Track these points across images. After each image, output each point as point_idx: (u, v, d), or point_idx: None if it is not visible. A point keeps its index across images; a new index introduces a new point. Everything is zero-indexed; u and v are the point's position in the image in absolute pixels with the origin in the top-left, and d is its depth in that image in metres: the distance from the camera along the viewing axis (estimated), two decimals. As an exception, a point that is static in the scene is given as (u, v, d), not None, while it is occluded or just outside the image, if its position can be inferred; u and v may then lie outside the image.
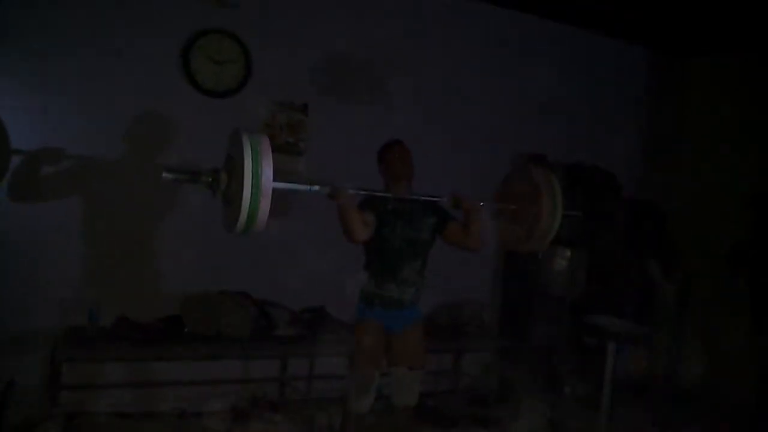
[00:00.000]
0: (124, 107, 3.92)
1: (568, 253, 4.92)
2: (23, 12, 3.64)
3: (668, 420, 4.49)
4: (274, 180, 2.22)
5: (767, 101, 5.03)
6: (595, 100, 5.44)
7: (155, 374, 4.05)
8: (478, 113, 4.97)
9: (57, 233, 3.80)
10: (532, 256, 4.83)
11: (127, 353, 3.81)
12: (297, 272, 4.33)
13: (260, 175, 2.15)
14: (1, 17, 3.60)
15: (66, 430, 3.60)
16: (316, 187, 2.67)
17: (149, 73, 3.97)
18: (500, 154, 4.93)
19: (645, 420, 4.50)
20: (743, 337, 4.80)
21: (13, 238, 3.69)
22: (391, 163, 3.15)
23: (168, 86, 4.02)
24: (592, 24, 5.24)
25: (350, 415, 3.12)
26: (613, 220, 5.11)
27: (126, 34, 3.89)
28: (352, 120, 4.51)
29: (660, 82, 5.78)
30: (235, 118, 4.06)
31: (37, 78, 3.72)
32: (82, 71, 3.81)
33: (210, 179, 2.32)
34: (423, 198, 3.08)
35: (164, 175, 2.28)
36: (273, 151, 2.27)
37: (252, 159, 2.16)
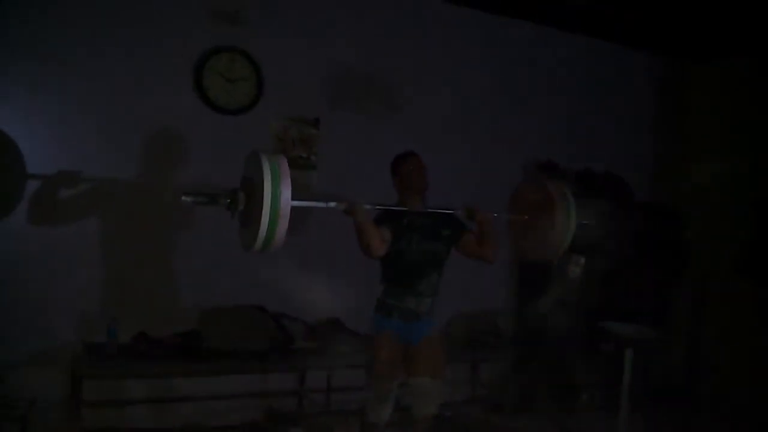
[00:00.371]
0: (138, 126, 3.97)
1: (582, 260, 4.91)
2: (37, 37, 3.69)
3: (686, 425, 4.47)
4: (292, 199, 2.25)
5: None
6: (605, 106, 5.44)
7: (174, 389, 4.08)
8: (488, 122, 4.99)
9: (75, 252, 3.84)
10: (547, 264, 4.83)
11: (147, 369, 3.85)
12: (312, 285, 4.37)
13: (279, 198, 2.19)
14: (16, 43, 3.66)
15: (87, 448, 3.66)
16: (333, 204, 2.71)
17: (162, 92, 4.01)
18: (512, 163, 4.96)
19: (663, 426, 4.48)
20: (759, 339, 4.78)
21: (32, 258, 3.74)
22: (406, 176, 3.17)
23: (181, 104, 4.07)
24: (601, 32, 5.25)
25: (370, 425, 3.13)
26: (625, 225, 5.10)
27: (139, 54, 3.94)
28: (363, 133, 4.54)
29: (669, 88, 5.78)
30: (247, 134, 4.13)
31: (51, 101, 3.77)
32: (95, 92, 3.86)
33: (228, 201, 2.35)
34: (438, 211, 3.10)
35: (183, 198, 2.32)
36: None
37: (272, 182, 2.19)
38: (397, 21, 4.69)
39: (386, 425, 3.16)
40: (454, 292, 3.97)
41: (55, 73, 3.76)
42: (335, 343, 4.26)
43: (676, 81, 5.76)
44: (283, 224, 2.25)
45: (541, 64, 5.18)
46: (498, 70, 5.05)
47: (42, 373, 3.78)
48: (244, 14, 4.13)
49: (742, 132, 5.20)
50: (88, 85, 3.85)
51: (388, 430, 3.23)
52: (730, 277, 5.06)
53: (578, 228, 3.21)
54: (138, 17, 3.93)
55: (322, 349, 4.24)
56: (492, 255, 3.11)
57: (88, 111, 3.85)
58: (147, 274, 4.07)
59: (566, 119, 5.24)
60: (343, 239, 3.03)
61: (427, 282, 3.12)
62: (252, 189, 2.31)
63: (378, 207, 2.99)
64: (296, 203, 2.34)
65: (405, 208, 3.09)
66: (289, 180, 2.23)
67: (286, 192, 2.22)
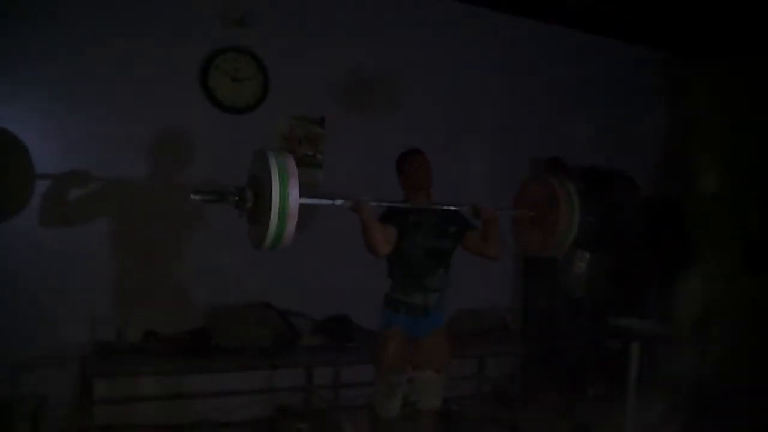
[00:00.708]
0: (146, 127, 4.00)
1: (588, 256, 4.94)
2: (44, 37, 3.72)
3: (693, 419, 4.47)
4: (299, 196, 2.28)
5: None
6: (611, 102, 5.45)
7: (184, 387, 4.13)
8: (493, 119, 5.00)
9: (84, 252, 3.88)
10: (552, 260, 4.85)
11: (156, 367, 3.89)
12: (319, 282, 4.40)
13: (287, 197, 2.21)
14: (21, 42, 3.69)
15: (98, 444, 3.69)
16: (339, 201, 2.74)
17: (169, 92, 4.04)
18: (517, 159, 4.98)
19: (670, 420, 4.48)
20: (765, 334, 4.78)
21: (43, 257, 3.78)
22: (411, 173, 3.18)
23: (188, 104, 4.10)
24: (606, 29, 5.26)
25: (379, 420, 3.16)
26: (631, 221, 5.12)
27: (145, 55, 3.97)
28: (368, 131, 4.56)
29: (675, 83, 5.77)
30: (254, 133, 4.15)
31: (59, 101, 3.80)
32: (102, 92, 3.89)
33: (236, 199, 2.38)
34: (443, 208, 3.12)
35: (192, 197, 2.35)
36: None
37: (279, 181, 2.22)
38: (401, 19, 4.71)
39: (396, 421, 3.18)
40: (461, 288, 3.99)
41: (63, 73, 3.80)
42: (342, 339, 4.30)
43: (683, 77, 5.75)
44: (291, 223, 2.28)
45: (546, 61, 5.19)
46: (502, 68, 5.07)
47: (53, 372, 3.83)
48: (250, 14, 4.15)
49: (748, 127, 5.19)
50: (96, 86, 3.88)
51: (398, 424, 3.26)
52: (736, 271, 5.06)
53: (583, 224, 3.23)
54: (144, 17, 3.96)
55: (330, 345, 4.28)
56: (496, 252, 3.13)
57: (95, 111, 3.88)
58: (155, 273, 4.11)
59: (571, 116, 5.25)
60: (350, 236, 3.05)
61: (434, 277, 3.14)
62: (260, 187, 2.34)
63: (384, 204, 3.01)
64: (304, 201, 2.36)
65: (410, 206, 3.10)
66: (297, 179, 2.25)
67: (294, 191, 2.24)
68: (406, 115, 4.66)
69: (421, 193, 3.16)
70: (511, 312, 5.15)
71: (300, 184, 2.37)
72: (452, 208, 3.12)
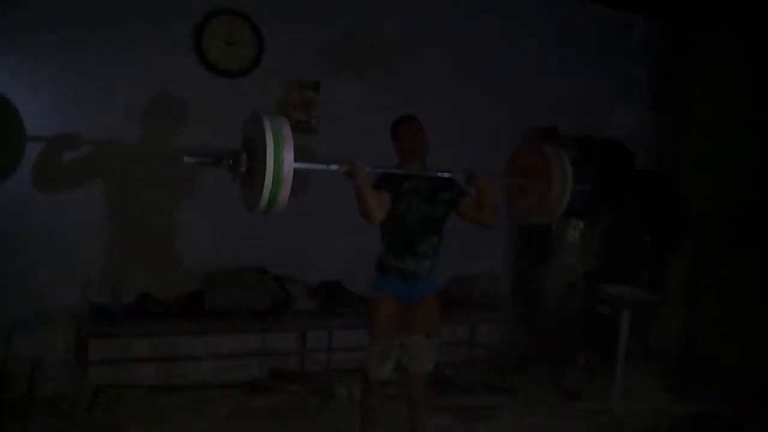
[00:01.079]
0: (138, 90, 3.97)
1: (581, 225, 4.96)
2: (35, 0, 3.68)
3: (681, 387, 4.56)
4: (293, 161, 2.28)
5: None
6: (606, 72, 5.43)
7: (178, 349, 4.17)
8: (489, 87, 4.98)
9: (78, 215, 3.88)
10: (545, 228, 4.88)
11: (151, 329, 3.92)
12: (313, 247, 4.43)
13: (282, 162, 2.21)
14: (13, 5, 3.63)
15: (93, 404, 3.72)
16: (334, 167, 2.73)
17: (162, 55, 4.00)
18: (512, 128, 4.96)
19: (658, 387, 4.57)
20: (755, 304, 4.85)
21: (37, 221, 3.78)
22: (406, 139, 3.16)
23: (181, 68, 4.06)
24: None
25: (372, 382, 3.21)
26: (624, 190, 5.13)
27: (138, 17, 3.92)
28: (363, 97, 4.54)
29: (670, 54, 5.75)
30: (248, 97, 4.12)
31: (49, 63, 3.76)
32: (95, 55, 3.85)
33: (231, 162, 2.38)
34: (437, 174, 3.12)
35: (186, 159, 2.34)
36: (288, 131, 2.34)
37: (274, 145, 2.21)
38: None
39: (387, 383, 3.23)
40: (454, 255, 4.00)
41: (54, 35, 3.75)
42: (336, 304, 4.33)
43: (679, 47, 5.73)
44: (286, 187, 2.28)
45: (542, 29, 5.14)
46: (499, 35, 5.02)
47: (48, 334, 3.86)
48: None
49: (744, 99, 5.18)
50: (88, 48, 3.83)
51: (389, 387, 3.32)
52: (728, 242, 5.11)
53: (576, 193, 3.25)
54: (137, -21, 3.91)
55: (323, 309, 4.32)
56: (490, 220, 3.14)
57: (87, 74, 3.84)
58: (150, 237, 4.12)
59: (567, 85, 5.23)
60: (344, 202, 3.06)
61: (427, 244, 3.15)
62: (254, 151, 2.33)
63: (378, 169, 3.01)
64: (298, 166, 2.36)
65: (405, 172, 3.10)
66: (292, 143, 2.25)
67: (289, 156, 2.24)
68: (401, 81, 4.63)
69: (416, 160, 3.15)
70: (503, 279, 5.19)
71: (295, 149, 2.36)
72: (446, 174, 3.12)
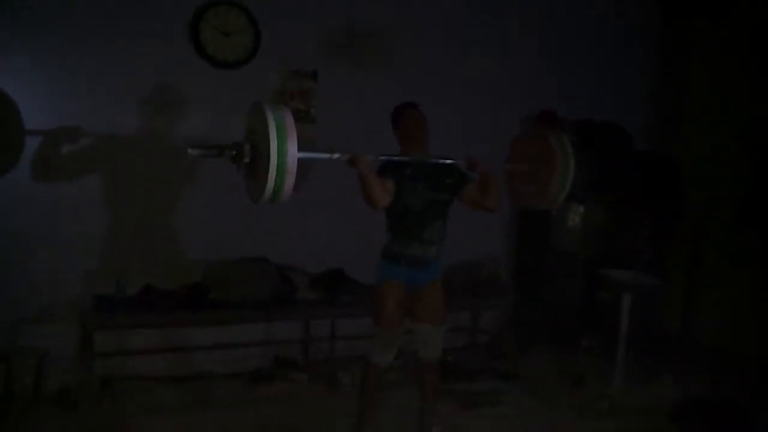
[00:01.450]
0: (136, 82, 3.97)
1: (582, 209, 4.97)
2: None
3: (682, 372, 4.58)
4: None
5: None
6: (606, 55, 5.42)
7: (183, 340, 4.20)
8: (488, 72, 4.97)
9: (81, 208, 3.90)
10: (546, 213, 4.89)
11: (154, 320, 3.95)
12: (315, 236, 4.44)
13: (286, 153, 2.22)
14: (15, 2, 3.63)
15: (100, 395, 3.77)
16: (337, 155, 2.74)
17: (159, 47, 4.00)
18: (512, 112, 4.96)
19: (659, 372, 4.60)
20: (756, 289, 4.86)
21: (40, 214, 3.80)
22: (407, 127, 3.18)
23: (178, 59, 4.06)
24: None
25: (371, 368, 3.23)
26: (625, 174, 5.14)
27: (135, 10, 3.91)
28: (362, 85, 4.53)
29: (670, 36, 5.73)
30: (245, 87, 4.13)
31: (47, 57, 3.76)
32: (92, 47, 3.85)
33: (234, 153, 2.38)
34: (439, 160, 3.13)
35: (190, 151, 2.35)
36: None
37: (277, 137, 2.22)
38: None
39: (387, 370, 3.25)
40: (456, 241, 4.01)
41: (52, 28, 3.75)
42: (338, 293, 4.35)
43: (678, 29, 5.71)
44: (290, 179, 2.29)
45: (540, 12, 5.14)
46: (497, 19, 5.01)
47: (54, 327, 3.89)
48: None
49: (743, 81, 5.17)
50: (86, 41, 3.83)
51: (391, 374, 3.34)
52: (728, 225, 5.11)
53: (577, 178, 3.26)
54: (133, -29, 3.90)
55: (326, 298, 4.34)
56: (494, 204, 3.16)
57: (85, 66, 3.85)
58: (152, 229, 4.14)
59: (566, 68, 5.22)
60: (345, 190, 3.06)
61: (432, 230, 3.17)
62: (257, 142, 2.34)
63: (381, 157, 3.02)
64: (302, 156, 2.37)
65: (407, 158, 3.11)
66: (295, 135, 2.25)
67: (293, 148, 2.25)
68: (399, 68, 4.63)
69: (418, 147, 3.17)
70: (504, 265, 5.21)
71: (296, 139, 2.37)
72: (448, 161, 3.13)
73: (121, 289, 3.86)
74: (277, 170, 2.26)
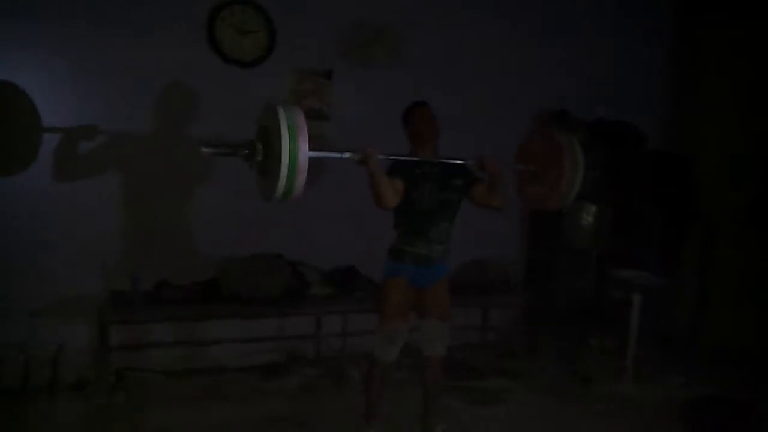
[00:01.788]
0: (153, 81, 4.03)
1: (594, 209, 4.97)
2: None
3: (693, 371, 4.58)
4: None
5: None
6: (618, 53, 5.40)
7: (196, 334, 4.27)
8: (499, 72, 4.98)
9: (97, 205, 3.97)
10: (557, 213, 4.89)
11: (169, 314, 4.02)
12: (328, 234, 4.48)
13: (297, 153, 2.26)
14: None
15: (114, 388, 3.84)
16: (348, 154, 2.78)
17: (176, 46, 4.05)
18: (523, 112, 4.97)
19: (670, 370, 4.59)
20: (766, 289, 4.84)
21: (57, 211, 3.87)
22: (417, 126, 3.20)
23: (195, 58, 4.10)
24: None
25: (376, 364, 3.28)
26: (637, 173, 5.13)
27: (151, 8, 3.97)
28: (376, 84, 4.55)
29: (683, 34, 5.70)
30: (261, 86, 4.17)
31: (65, 56, 3.83)
32: (109, 47, 3.91)
33: (247, 152, 2.42)
34: (449, 161, 3.16)
35: (203, 149, 2.39)
36: (302, 120, 2.38)
37: (289, 136, 2.25)
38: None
39: (392, 365, 3.29)
40: (467, 239, 4.05)
41: (70, 27, 3.81)
42: (350, 289, 4.39)
43: (692, 27, 5.68)
44: (301, 177, 2.34)
45: (554, 11, 5.13)
46: (510, 17, 5.00)
47: (71, 321, 3.97)
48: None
49: (758, 79, 5.14)
50: (103, 40, 3.89)
51: (397, 370, 3.38)
52: (739, 225, 5.10)
53: (588, 178, 3.27)
54: (150, -30, 3.95)
55: (338, 295, 4.38)
56: (500, 203, 3.19)
57: (102, 65, 3.91)
58: (167, 225, 4.20)
59: (579, 67, 5.22)
60: (358, 188, 3.10)
61: (439, 230, 3.20)
62: (269, 140, 2.37)
63: (391, 157, 3.05)
64: (313, 155, 2.41)
65: (417, 158, 3.14)
66: (307, 133, 2.29)
67: (304, 146, 2.29)
68: (413, 67, 4.64)
69: (428, 146, 3.19)
70: (516, 263, 5.23)
71: (309, 138, 2.41)
72: (458, 161, 3.16)
73: (136, 284, 3.93)
74: (289, 169, 2.30)
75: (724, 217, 5.22)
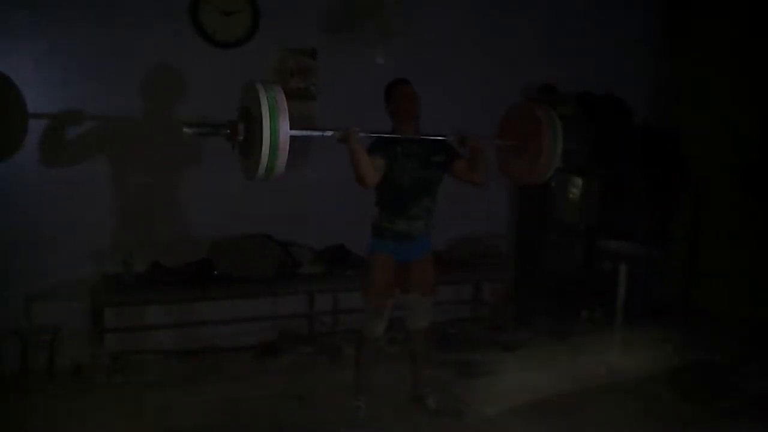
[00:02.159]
0: (137, 63, 4.04)
1: (580, 182, 5.00)
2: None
3: (683, 340, 4.63)
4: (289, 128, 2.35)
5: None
6: (605, 26, 5.38)
7: (190, 315, 4.31)
8: (486, 46, 4.97)
9: (87, 189, 4.00)
10: (545, 187, 4.92)
11: (163, 296, 4.07)
12: (316, 214, 4.51)
13: (278, 131, 2.28)
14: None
15: (111, 370, 3.90)
16: (329, 132, 2.80)
17: (160, 27, 4.05)
18: (511, 86, 4.97)
19: (660, 339, 4.65)
20: (757, 254, 4.88)
21: (47, 196, 3.90)
22: (399, 103, 3.22)
23: (179, 40, 4.11)
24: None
25: (365, 339, 3.36)
26: (624, 145, 5.15)
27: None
28: (361, 62, 4.54)
29: (670, 6, 5.68)
30: (246, 66, 4.16)
31: (48, 40, 3.84)
32: (92, 29, 3.92)
33: (228, 132, 2.44)
34: (430, 137, 3.18)
35: (185, 129, 2.42)
36: (286, 99, 2.39)
37: (270, 115, 2.27)
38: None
39: (379, 340, 3.39)
40: (457, 214, 4.08)
41: (53, 11, 3.82)
42: (340, 267, 4.44)
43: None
44: (283, 156, 2.36)
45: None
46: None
47: (66, 304, 4.01)
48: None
49: (746, 48, 5.13)
50: (87, 23, 3.90)
51: (390, 345, 3.45)
52: (730, 192, 5.11)
53: (571, 150, 3.29)
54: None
55: (328, 273, 4.43)
56: (481, 179, 3.22)
57: (86, 48, 3.92)
58: (157, 208, 4.24)
59: (566, 41, 5.20)
60: (345, 167, 3.12)
61: (420, 207, 3.24)
62: (251, 120, 2.39)
63: (372, 134, 3.07)
64: (294, 133, 2.43)
65: (398, 135, 3.16)
66: (287, 112, 2.31)
67: (284, 125, 2.30)
68: (398, 43, 4.61)
69: (409, 123, 3.22)
70: (505, 238, 5.27)
71: (294, 117, 2.42)
72: (439, 137, 3.18)
73: (128, 267, 3.97)
74: (270, 148, 2.32)
75: (714, 184, 5.23)
